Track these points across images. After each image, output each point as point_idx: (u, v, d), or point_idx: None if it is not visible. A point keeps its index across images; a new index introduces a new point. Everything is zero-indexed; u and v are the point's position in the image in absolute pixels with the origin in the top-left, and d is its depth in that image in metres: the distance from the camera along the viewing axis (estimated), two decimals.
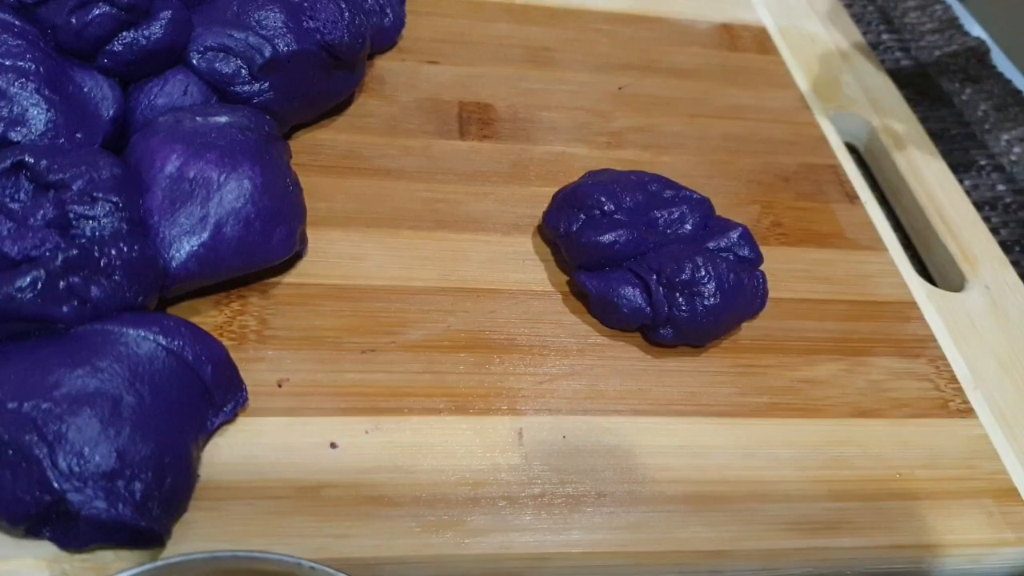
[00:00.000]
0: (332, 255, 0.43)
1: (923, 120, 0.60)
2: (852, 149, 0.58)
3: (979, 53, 0.67)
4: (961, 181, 0.57)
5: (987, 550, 0.38)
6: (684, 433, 0.39)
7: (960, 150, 0.61)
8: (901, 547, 0.37)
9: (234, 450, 0.35)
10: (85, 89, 0.40)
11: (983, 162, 0.60)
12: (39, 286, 0.33)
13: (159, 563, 0.26)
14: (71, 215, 0.35)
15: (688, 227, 0.43)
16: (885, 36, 0.69)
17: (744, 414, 0.40)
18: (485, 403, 0.38)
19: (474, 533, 0.34)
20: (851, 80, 0.61)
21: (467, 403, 0.38)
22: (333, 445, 0.36)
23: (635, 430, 0.39)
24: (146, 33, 0.41)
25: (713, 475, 0.38)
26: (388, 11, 0.53)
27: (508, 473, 0.36)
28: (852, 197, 0.52)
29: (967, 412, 0.43)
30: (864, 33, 0.66)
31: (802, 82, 0.59)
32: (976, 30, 0.69)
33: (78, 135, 0.39)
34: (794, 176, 0.53)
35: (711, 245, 0.43)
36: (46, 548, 0.31)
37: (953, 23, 0.70)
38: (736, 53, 0.61)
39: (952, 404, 0.43)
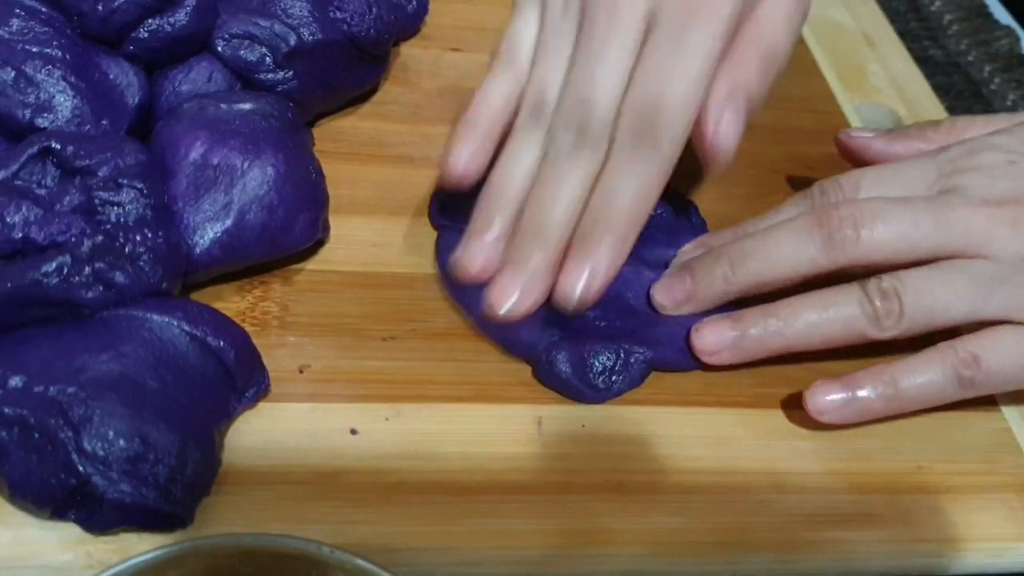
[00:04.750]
0: (354, 242, 0.43)
1: (951, 110, 0.59)
2: None
3: (1009, 42, 0.66)
4: None
5: (1009, 545, 0.38)
6: (703, 423, 0.39)
7: None
8: (921, 541, 0.37)
9: (256, 435, 0.35)
10: (111, 76, 0.40)
11: None
12: (65, 271, 0.33)
13: (182, 546, 0.27)
14: (97, 201, 0.35)
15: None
16: (913, 24, 0.68)
17: (764, 405, 0.40)
18: (505, 391, 0.39)
19: (493, 521, 0.35)
20: (878, 69, 0.60)
21: (487, 391, 0.38)
22: (353, 431, 0.36)
23: (654, 420, 0.39)
24: (171, 20, 0.41)
25: (732, 466, 0.38)
26: None
27: (527, 461, 0.36)
28: None
29: (990, 406, 0.42)
30: (891, 21, 0.65)
31: (828, 71, 0.59)
32: (1005, 19, 0.68)
33: (104, 122, 0.39)
34: (819, 166, 0.52)
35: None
36: (71, 530, 0.32)
37: (982, 12, 0.69)
38: None
39: None
